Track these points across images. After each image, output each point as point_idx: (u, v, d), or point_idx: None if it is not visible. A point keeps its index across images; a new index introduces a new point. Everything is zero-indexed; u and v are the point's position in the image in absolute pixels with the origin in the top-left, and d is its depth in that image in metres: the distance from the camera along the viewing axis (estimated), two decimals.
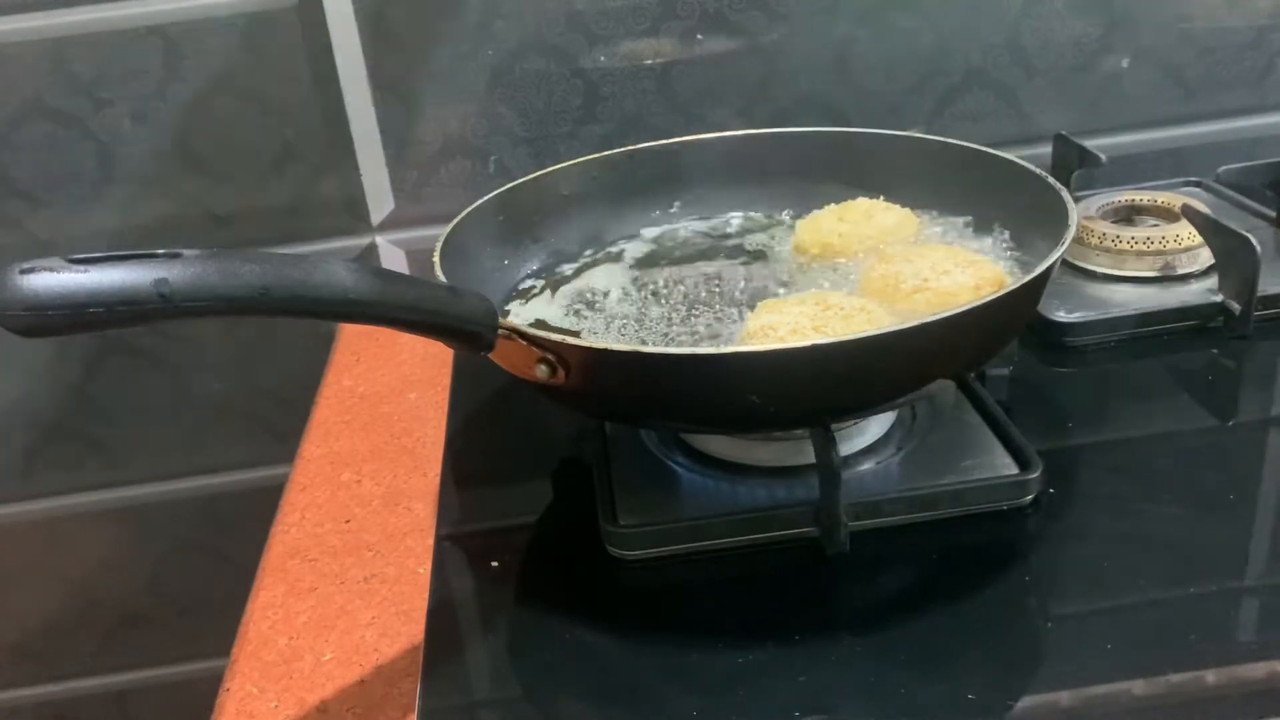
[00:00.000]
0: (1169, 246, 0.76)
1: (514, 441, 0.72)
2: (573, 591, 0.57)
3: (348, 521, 0.66)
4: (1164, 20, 0.90)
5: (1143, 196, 0.81)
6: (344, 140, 0.89)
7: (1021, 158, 0.70)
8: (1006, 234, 0.70)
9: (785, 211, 0.78)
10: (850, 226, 0.71)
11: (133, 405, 0.95)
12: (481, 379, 0.76)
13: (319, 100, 0.87)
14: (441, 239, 0.66)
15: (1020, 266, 0.66)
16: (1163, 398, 0.68)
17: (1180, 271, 0.76)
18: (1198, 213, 0.74)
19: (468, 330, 0.53)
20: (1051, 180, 0.66)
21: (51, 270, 0.41)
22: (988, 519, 0.57)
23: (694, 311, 0.68)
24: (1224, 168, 0.87)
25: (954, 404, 0.65)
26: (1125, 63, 0.91)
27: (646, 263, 0.75)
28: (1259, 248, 0.69)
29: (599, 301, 0.70)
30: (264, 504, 0.70)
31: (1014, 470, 0.59)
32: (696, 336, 0.65)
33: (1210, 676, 0.47)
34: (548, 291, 0.72)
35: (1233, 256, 0.71)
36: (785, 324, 0.59)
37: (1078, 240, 0.78)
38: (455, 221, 0.69)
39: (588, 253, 0.76)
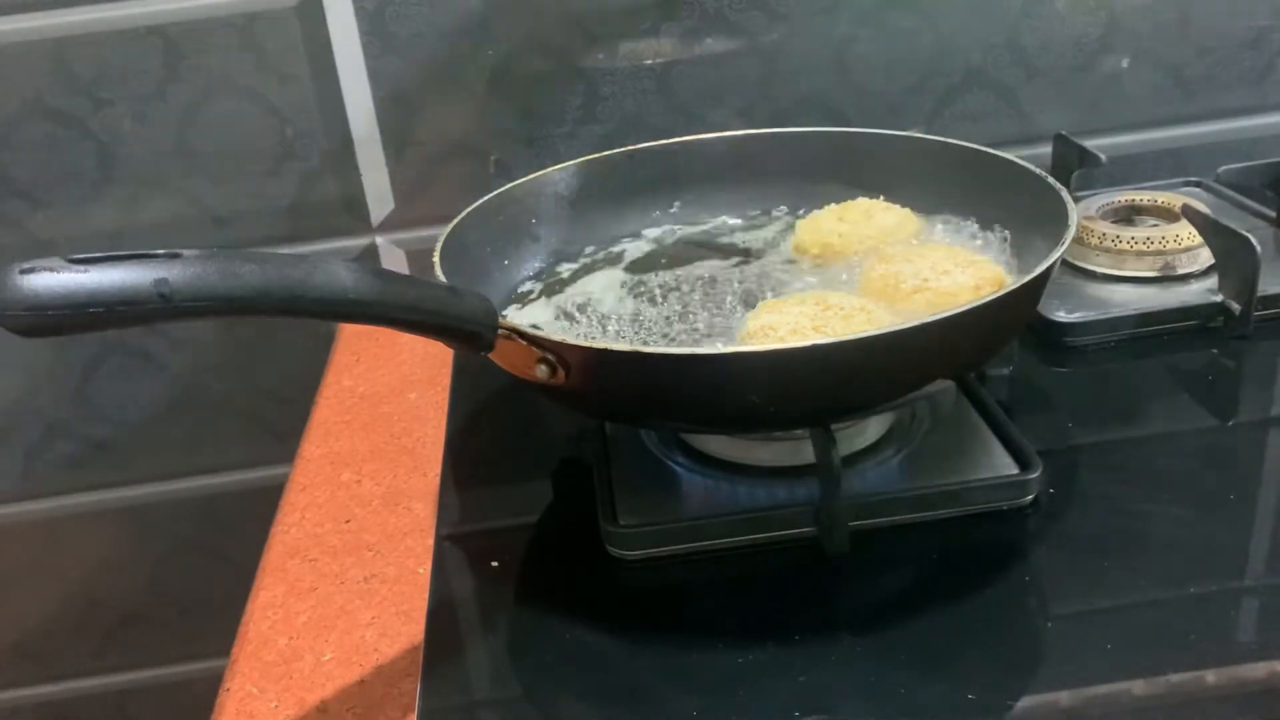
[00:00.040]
0: (1169, 246, 0.76)
1: (514, 441, 0.72)
2: (573, 591, 0.57)
3: (348, 521, 0.66)
4: (1164, 20, 0.90)
5: (1143, 196, 0.81)
6: (344, 140, 0.89)
7: (1021, 158, 0.70)
8: (1006, 234, 0.70)
9: (785, 212, 0.78)
10: (850, 226, 0.71)
11: (133, 405, 0.95)
12: (481, 379, 0.76)
13: (319, 100, 0.87)
14: (441, 239, 0.66)
15: (1020, 266, 0.66)
16: (1163, 398, 0.68)
17: (1180, 271, 0.76)
18: (1198, 213, 0.74)
19: (468, 330, 0.53)
20: (1051, 180, 0.66)
21: (51, 270, 0.41)
22: (988, 519, 0.57)
23: (694, 311, 0.68)
24: (1224, 168, 0.87)
25: (954, 404, 0.65)
26: (1125, 63, 0.91)
27: (646, 263, 0.75)
28: (1259, 248, 0.69)
29: (598, 302, 0.70)
30: (264, 504, 0.70)
31: (1014, 470, 0.59)
32: (696, 336, 0.65)
33: (1210, 676, 0.47)
34: (544, 296, 0.71)
35: (1233, 256, 0.71)
36: (785, 324, 0.59)
37: (1078, 240, 0.78)
38: (455, 221, 0.69)
39: (588, 252, 0.76)
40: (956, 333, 0.53)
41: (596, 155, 0.78)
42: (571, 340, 0.55)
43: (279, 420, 0.95)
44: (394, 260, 0.93)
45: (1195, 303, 0.73)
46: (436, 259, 0.63)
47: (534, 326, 0.67)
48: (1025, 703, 0.47)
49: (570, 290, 0.72)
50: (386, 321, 0.50)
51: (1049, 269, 0.56)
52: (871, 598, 0.55)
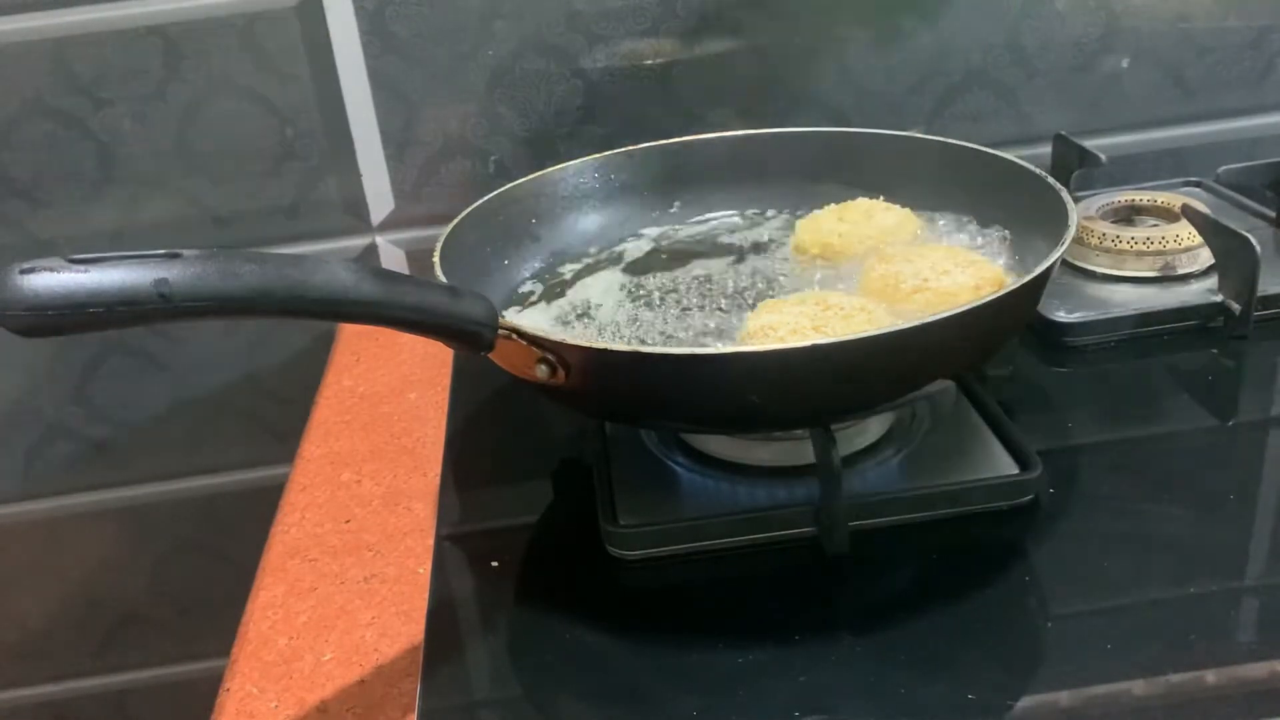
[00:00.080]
0: (1169, 246, 0.76)
1: (514, 441, 0.72)
2: (573, 591, 0.57)
3: (348, 521, 0.66)
4: (1164, 20, 0.90)
5: (1143, 196, 0.81)
6: (344, 140, 0.89)
7: (1021, 158, 0.70)
8: (1006, 234, 0.70)
9: (785, 211, 0.78)
10: (850, 226, 0.71)
11: (133, 405, 0.95)
12: (481, 379, 0.76)
13: (319, 100, 0.87)
14: (441, 239, 0.66)
15: (1020, 266, 0.66)
16: (1163, 398, 0.68)
17: (1180, 271, 0.76)
18: (1198, 213, 0.74)
19: (468, 330, 0.53)
20: (1051, 180, 0.66)
21: (51, 270, 0.41)
22: (988, 519, 0.57)
23: (694, 311, 0.68)
24: (1224, 168, 0.87)
25: (954, 404, 0.65)
26: (1125, 63, 0.91)
27: (646, 263, 0.75)
28: (1259, 248, 0.69)
29: (597, 302, 0.70)
30: (264, 504, 0.70)
31: (1014, 470, 0.59)
32: (696, 336, 0.65)
33: (1210, 676, 0.47)
34: (544, 300, 0.71)
35: (1233, 256, 0.71)
36: (785, 324, 0.59)
37: (1078, 240, 0.78)
38: (455, 221, 0.69)
39: (589, 252, 0.76)
40: (956, 333, 0.53)
41: (596, 155, 0.78)
42: (571, 340, 0.55)
43: (279, 420, 0.95)
44: (394, 260, 0.93)
45: (1195, 303, 0.73)
46: (436, 259, 0.63)
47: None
48: (1025, 703, 0.47)
49: (571, 292, 0.72)
50: (386, 321, 0.50)
51: (1049, 269, 0.56)
52: (871, 598, 0.55)
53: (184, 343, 0.93)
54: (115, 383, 0.94)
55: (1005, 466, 0.59)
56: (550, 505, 0.64)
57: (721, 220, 0.79)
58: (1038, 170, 0.67)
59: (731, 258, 0.74)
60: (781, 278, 0.70)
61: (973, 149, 0.73)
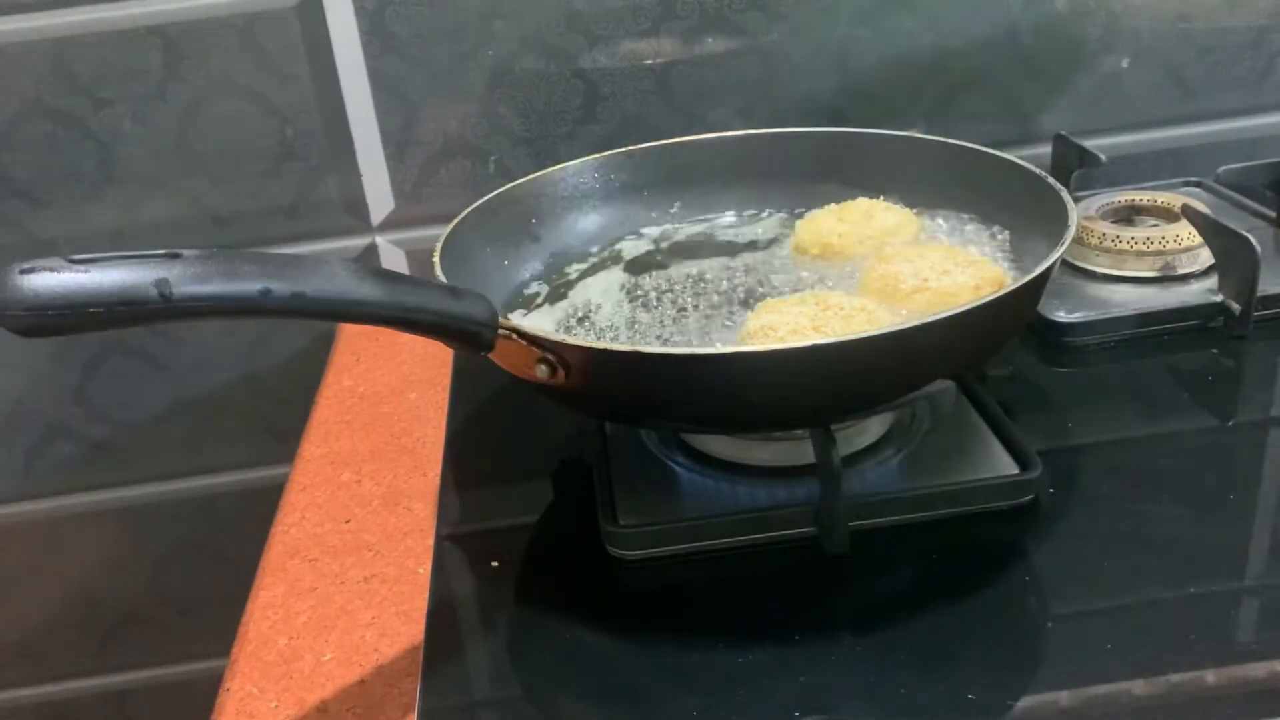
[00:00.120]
0: (1169, 246, 0.76)
1: (514, 441, 0.72)
2: (573, 591, 0.57)
3: (348, 521, 0.66)
4: (1164, 20, 0.90)
5: (1143, 196, 0.81)
6: (344, 140, 0.89)
7: (1021, 158, 0.70)
8: (1006, 234, 0.70)
9: (785, 211, 0.78)
10: (850, 226, 0.71)
11: (133, 405, 0.95)
12: (481, 379, 0.76)
13: (319, 100, 0.87)
14: (441, 239, 0.66)
15: (1020, 267, 0.66)
16: (1163, 398, 0.68)
17: (1180, 271, 0.76)
18: (1198, 213, 0.74)
19: (468, 330, 0.53)
20: (1051, 180, 0.66)
21: (51, 270, 0.41)
22: (988, 519, 0.57)
23: (693, 312, 0.68)
24: (1224, 168, 0.87)
25: (954, 404, 0.65)
26: (1125, 63, 0.91)
27: (646, 263, 0.75)
28: (1259, 248, 0.69)
29: (597, 303, 0.70)
30: (264, 504, 0.70)
31: (1014, 470, 0.59)
32: (696, 336, 0.65)
33: (1210, 676, 0.47)
34: (549, 302, 0.71)
35: (1233, 256, 0.71)
36: (785, 324, 0.59)
37: (1078, 240, 0.78)
38: (455, 221, 0.69)
39: (589, 252, 0.76)
40: (956, 333, 0.53)
41: (596, 155, 0.78)
42: (571, 340, 0.55)
43: (279, 420, 0.95)
44: (394, 260, 0.93)
45: (1195, 303, 0.73)
46: (436, 259, 0.63)
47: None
48: (1025, 703, 0.47)
49: (571, 293, 0.72)
50: (386, 321, 0.50)
51: (1049, 269, 0.56)
52: (871, 598, 0.55)
53: (184, 343, 0.93)
54: (115, 383, 0.94)
55: (1005, 466, 0.59)
56: (550, 505, 0.64)
57: (721, 220, 0.79)
58: (1038, 170, 0.67)
59: (731, 258, 0.74)
60: (781, 278, 0.70)
61: (973, 149, 0.73)
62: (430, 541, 0.62)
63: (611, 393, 0.58)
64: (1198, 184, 0.89)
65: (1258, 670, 0.47)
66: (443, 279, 0.61)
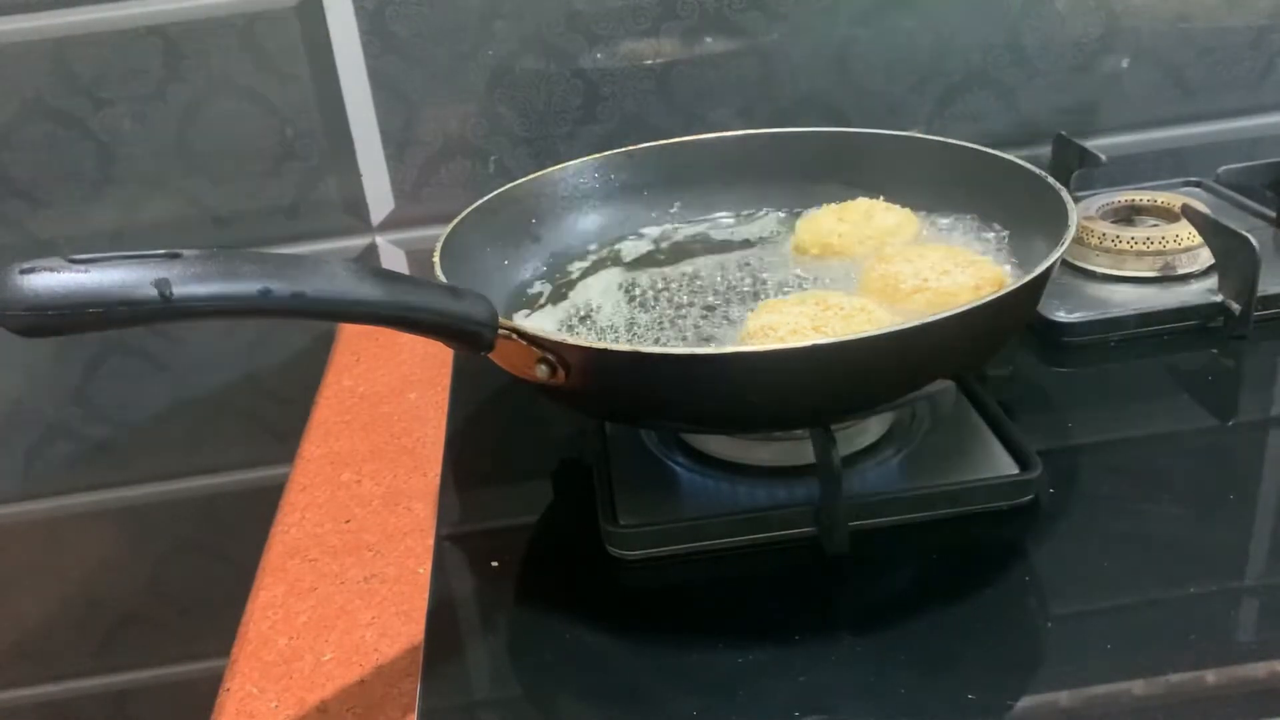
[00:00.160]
0: (1169, 246, 0.76)
1: (514, 441, 0.72)
2: (573, 591, 0.57)
3: (348, 521, 0.66)
4: (1164, 20, 0.90)
5: (1143, 196, 0.81)
6: (344, 140, 0.89)
7: (1021, 158, 0.70)
8: (1006, 234, 0.70)
9: (784, 211, 0.78)
10: (850, 226, 0.71)
11: (133, 405, 0.95)
12: (481, 379, 0.76)
13: (319, 100, 0.87)
14: (441, 239, 0.66)
15: (1020, 266, 0.66)
16: (1163, 398, 0.68)
17: (1180, 271, 0.76)
18: (1198, 213, 0.74)
19: (468, 330, 0.53)
20: (1051, 180, 0.66)
21: (51, 270, 0.41)
22: (988, 519, 0.57)
23: (693, 312, 0.68)
24: (1224, 168, 0.87)
25: (954, 404, 0.65)
26: (1125, 63, 0.91)
27: (646, 263, 0.75)
28: (1259, 248, 0.69)
29: (597, 303, 0.70)
30: (264, 504, 0.70)
31: (1014, 470, 0.59)
32: (695, 336, 0.65)
33: (1210, 676, 0.47)
34: (551, 302, 0.71)
35: (1233, 256, 0.71)
36: (785, 324, 0.59)
37: (1078, 240, 0.78)
38: (455, 221, 0.69)
39: (589, 251, 0.76)
40: (956, 333, 0.53)
41: (596, 155, 0.78)
42: (571, 340, 0.55)
43: (279, 420, 0.95)
44: (394, 260, 0.93)
45: (1195, 303, 0.73)
46: (436, 259, 0.63)
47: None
48: (1025, 703, 0.47)
49: (572, 293, 0.72)
50: (386, 321, 0.50)
51: (1049, 269, 0.56)
52: (871, 598, 0.55)
53: (184, 343, 0.93)
54: (115, 383, 0.94)
55: (1005, 466, 0.59)
56: (550, 505, 0.64)
57: (721, 220, 0.79)
58: (1038, 170, 0.67)
59: (731, 257, 0.74)
60: (781, 278, 0.70)
61: (973, 149, 0.73)
62: (430, 541, 0.62)
63: (611, 393, 0.58)
64: (1198, 184, 0.89)
65: (1258, 670, 0.47)
66: (443, 279, 0.61)
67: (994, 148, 0.72)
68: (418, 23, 0.86)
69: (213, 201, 0.89)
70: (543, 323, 0.68)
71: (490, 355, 0.56)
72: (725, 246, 0.76)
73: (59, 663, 1.03)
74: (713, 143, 0.80)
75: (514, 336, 0.54)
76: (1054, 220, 0.62)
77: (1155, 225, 0.79)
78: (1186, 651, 0.48)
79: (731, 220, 0.79)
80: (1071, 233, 0.58)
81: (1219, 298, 0.72)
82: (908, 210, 0.73)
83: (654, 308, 0.69)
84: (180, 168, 0.88)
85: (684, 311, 0.68)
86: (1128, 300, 0.74)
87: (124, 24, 0.84)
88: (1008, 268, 0.66)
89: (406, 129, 0.89)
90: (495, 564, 0.59)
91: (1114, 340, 0.73)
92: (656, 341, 0.65)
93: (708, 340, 0.64)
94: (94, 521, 0.99)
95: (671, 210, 0.80)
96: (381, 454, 0.72)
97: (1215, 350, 0.71)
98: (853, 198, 0.74)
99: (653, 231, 0.78)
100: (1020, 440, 0.60)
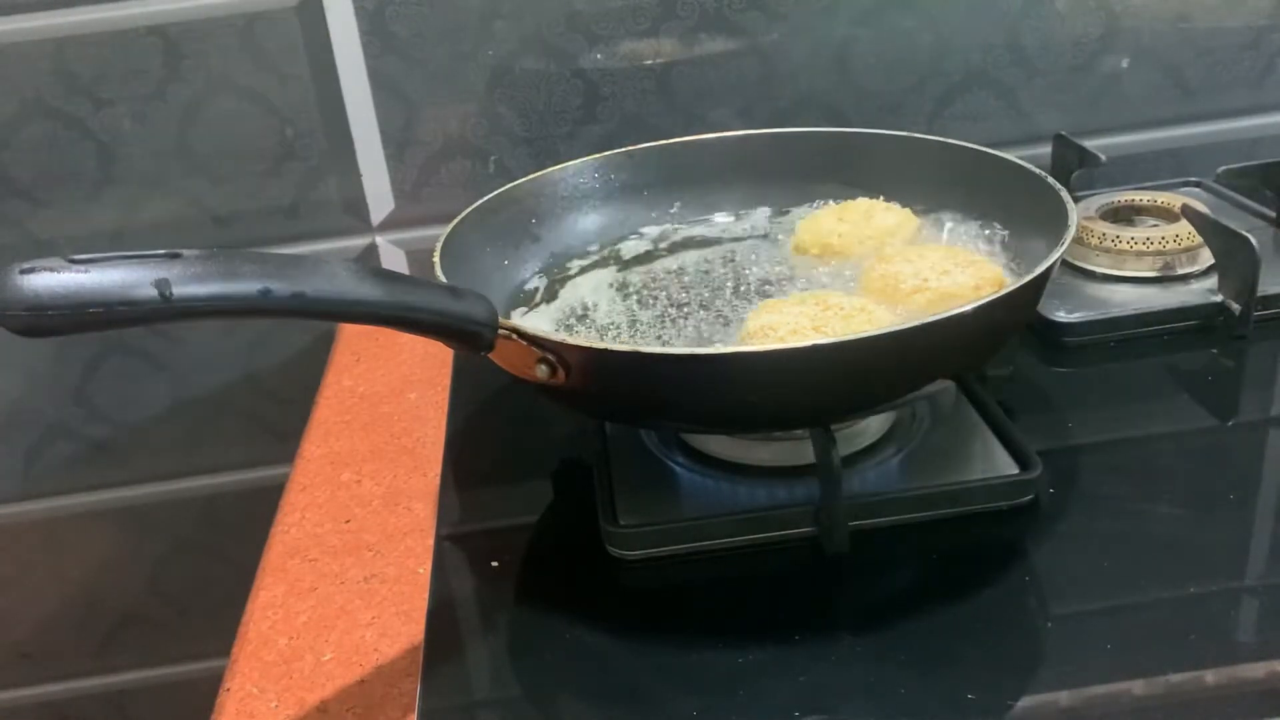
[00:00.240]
0: (1169, 246, 0.76)
1: (514, 441, 0.72)
2: (573, 591, 0.57)
3: (348, 521, 0.66)
4: (1164, 20, 0.90)
5: (1143, 196, 0.81)
6: (344, 140, 0.89)
7: (1021, 158, 0.70)
8: (1006, 234, 0.70)
9: (785, 211, 0.78)
10: (850, 226, 0.71)
11: (133, 405, 0.95)
12: (481, 379, 0.76)
13: (319, 100, 0.87)
14: (441, 239, 0.66)
15: (1020, 267, 0.66)
16: (1163, 398, 0.68)
17: (1180, 271, 0.76)
18: (1197, 213, 0.74)
19: (468, 330, 0.53)
20: (1051, 180, 0.66)
21: (51, 270, 0.41)
22: (988, 519, 0.57)
23: (693, 311, 0.68)
24: (1224, 168, 0.87)
25: (954, 404, 0.65)
26: (1125, 63, 0.91)
27: (645, 262, 0.75)
28: (1259, 248, 0.69)
29: (596, 303, 0.70)
30: (264, 504, 0.70)
31: (1014, 470, 0.59)
32: (695, 336, 0.65)
33: (1210, 676, 0.47)
34: (545, 301, 0.71)
35: (1233, 256, 0.71)
36: (785, 324, 0.59)
37: (1077, 240, 0.78)
38: (455, 221, 0.69)
39: (589, 251, 0.76)
40: (956, 333, 0.53)
41: (596, 155, 0.78)
42: (572, 340, 0.55)
43: (279, 420, 0.95)
44: (394, 260, 0.93)
45: (1195, 303, 0.73)
46: (436, 259, 0.63)
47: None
48: (1025, 703, 0.47)
49: (571, 293, 0.72)
50: (386, 321, 0.50)
51: (1049, 269, 0.56)
52: (871, 598, 0.55)
53: (184, 343, 0.93)
54: (115, 383, 0.94)
55: (1005, 466, 0.59)
56: (550, 505, 0.64)
57: (721, 220, 0.79)
58: (1038, 170, 0.67)
59: (731, 258, 0.74)
60: (781, 278, 0.70)
61: (973, 149, 0.73)
62: (430, 541, 0.62)
63: (611, 393, 0.58)
64: (1198, 184, 0.89)
65: (1258, 670, 0.47)
66: (443, 279, 0.61)
67: (994, 148, 0.72)
68: (418, 23, 0.86)
69: (213, 201, 0.89)
70: (538, 321, 0.68)
71: (490, 355, 0.56)
72: (725, 246, 0.76)
73: (59, 663, 1.03)
74: (712, 143, 0.80)
75: (514, 336, 0.54)
76: (1054, 220, 0.62)
77: (1155, 225, 0.79)
78: (1186, 651, 0.48)
79: (731, 220, 0.79)
80: (1071, 233, 0.58)
81: (1219, 298, 0.72)
82: (908, 210, 0.73)
83: (655, 308, 0.69)
84: (180, 168, 0.88)
85: (682, 311, 0.68)
86: (1128, 300, 0.74)
87: (124, 24, 0.84)
88: (1008, 268, 0.66)
89: (406, 129, 0.89)
90: (495, 564, 0.59)
91: (1114, 340, 0.73)
92: (659, 339, 0.65)
93: (708, 340, 0.64)
94: (94, 521, 0.99)
95: (671, 210, 0.80)
96: (381, 454, 0.72)
97: (1215, 350, 0.71)
98: (853, 198, 0.74)
99: (652, 231, 0.78)
100: (1020, 440, 0.60)
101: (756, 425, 0.59)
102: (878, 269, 0.66)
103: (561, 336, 0.54)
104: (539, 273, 0.74)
